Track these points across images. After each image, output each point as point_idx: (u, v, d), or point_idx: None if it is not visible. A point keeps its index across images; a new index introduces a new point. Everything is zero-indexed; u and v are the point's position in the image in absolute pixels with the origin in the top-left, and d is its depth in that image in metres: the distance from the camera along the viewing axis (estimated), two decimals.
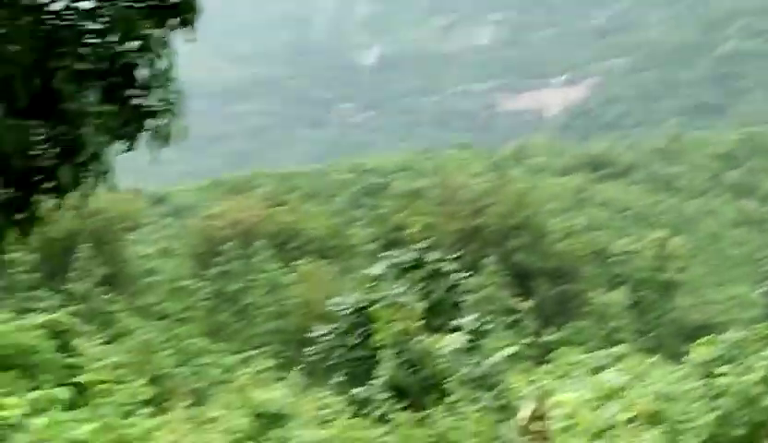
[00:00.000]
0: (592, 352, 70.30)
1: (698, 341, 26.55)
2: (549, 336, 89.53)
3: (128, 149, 8.29)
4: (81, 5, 7.86)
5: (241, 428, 22.97)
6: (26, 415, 14.48)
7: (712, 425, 21.55)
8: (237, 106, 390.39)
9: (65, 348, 46.07)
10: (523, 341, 77.25)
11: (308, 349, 28.23)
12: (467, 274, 27.46)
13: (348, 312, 26.45)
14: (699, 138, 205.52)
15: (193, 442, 23.03)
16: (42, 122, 7.61)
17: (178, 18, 8.28)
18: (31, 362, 43.66)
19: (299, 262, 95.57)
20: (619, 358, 56.84)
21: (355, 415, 19.67)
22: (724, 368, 23.00)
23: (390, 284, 23.66)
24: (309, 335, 28.33)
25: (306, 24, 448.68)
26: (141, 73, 8.19)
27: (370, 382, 20.60)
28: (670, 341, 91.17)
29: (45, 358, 44.05)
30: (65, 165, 7.65)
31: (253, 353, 75.23)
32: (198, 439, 23.49)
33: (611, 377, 27.85)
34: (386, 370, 19.67)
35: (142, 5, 8.06)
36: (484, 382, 19.55)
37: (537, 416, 12.80)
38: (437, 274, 25.33)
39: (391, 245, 38.50)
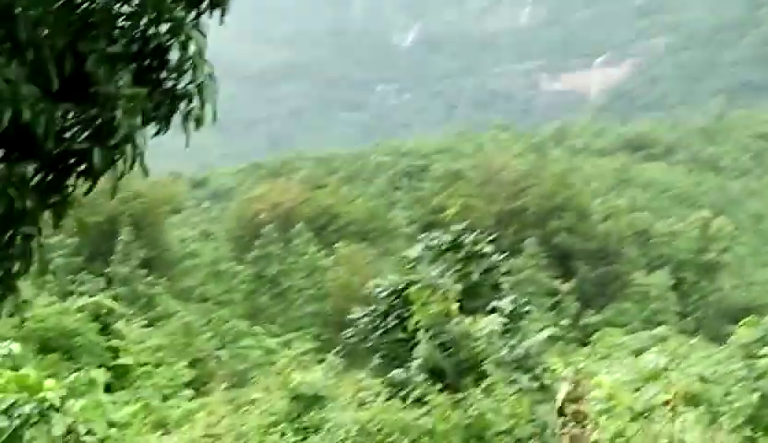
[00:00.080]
0: (633, 333, 70.08)
1: (740, 322, 26.29)
2: (590, 317, 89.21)
3: (160, 133, 8.30)
4: None
5: (279, 410, 23.05)
6: (64, 397, 14.58)
7: (752, 406, 21.36)
8: (276, 89, 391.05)
9: (106, 331, 46.62)
10: (564, 323, 77.08)
11: (346, 331, 28.20)
12: (505, 255, 27.26)
13: (385, 294, 26.40)
14: (742, 118, 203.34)
15: (231, 424, 23.12)
16: (74, 105, 7.62)
17: (209, 0, 8.26)
18: (74, 344, 44.20)
19: (338, 245, 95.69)
20: (661, 340, 56.60)
21: (392, 398, 19.65)
22: (766, 350, 22.78)
23: (428, 266, 23.59)
24: (348, 318, 28.27)
25: (345, 6, 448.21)
26: (173, 56, 8.18)
27: (407, 364, 20.56)
28: (712, 322, 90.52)
29: (87, 341, 44.58)
30: (97, 148, 7.66)
31: (293, 335, 75.66)
32: (236, 421, 23.58)
33: (651, 359, 27.62)
34: (422, 352, 19.63)
35: None
36: (522, 364, 19.47)
37: (574, 398, 12.72)
38: (474, 256, 25.20)
39: (431, 226, 38.41)
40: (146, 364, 48.79)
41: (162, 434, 28.24)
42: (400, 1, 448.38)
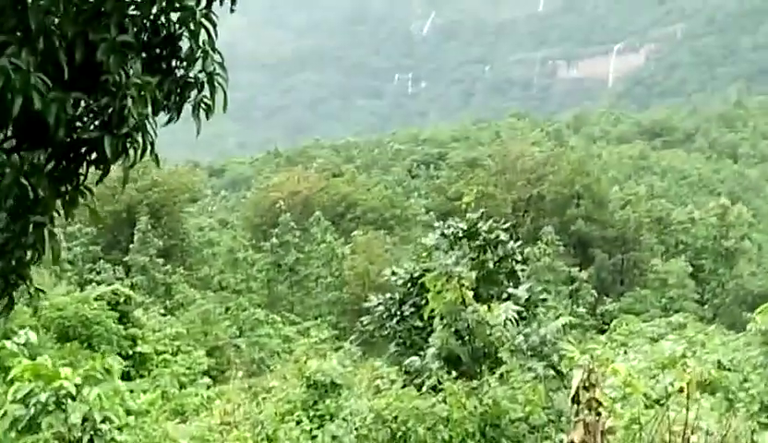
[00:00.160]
0: (651, 320, 69.88)
1: (758, 309, 26.19)
2: (608, 305, 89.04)
3: (171, 122, 8.33)
4: None
5: (295, 398, 23.13)
6: (80, 386, 14.66)
7: None
8: (294, 78, 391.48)
9: (124, 319, 46.79)
10: (581, 310, 76.98)
11: (363, 319, 28.27)
12: (522, 243, 27.23)
13: (401, 282, 26.45)
14: (760, 104, 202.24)
15: (247, 412, 23.22)
16: (85, 94, 7.65)
17: None
18: (92, 333, 44.40)
19: (356, 233, 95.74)
20: (679, 327, 56.40)
21: (407, 385, 19.68)
22: None
23: (443, 254, 23.60)
24: (364, 306, 28.34)
25: None
26: (183, 45, 8.20)
27: (421, 352, 20.59)
28: (731, 309, 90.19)
29: (105, 329, 44.77)
30: (107, 137, 7.69)
31: (310, 323, 75.77)
32: (252, 409, 23.68)
33: (668, 346, 27.57)
34: (438, 340, 19.63)
35: None
36: (537, 351, 19.46)
37: (588, 385, 12.70)
38: (490, 243, 25.21)
39: (448, 214, 38.42)
40: (164, 352, 48.96)
41: (180, 422, 28.38)
42: None
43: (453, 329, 19.32)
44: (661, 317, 73.10)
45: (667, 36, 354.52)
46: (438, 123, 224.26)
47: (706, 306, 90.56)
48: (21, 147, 7.65)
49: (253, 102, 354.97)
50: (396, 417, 17.93)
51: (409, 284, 26.45)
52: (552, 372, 19.17)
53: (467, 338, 19.38)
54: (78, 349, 41.53)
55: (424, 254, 27.34)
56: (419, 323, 24.53)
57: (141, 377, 43.76)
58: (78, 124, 7.71)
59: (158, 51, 8.19)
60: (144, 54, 8.01)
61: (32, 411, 14.52)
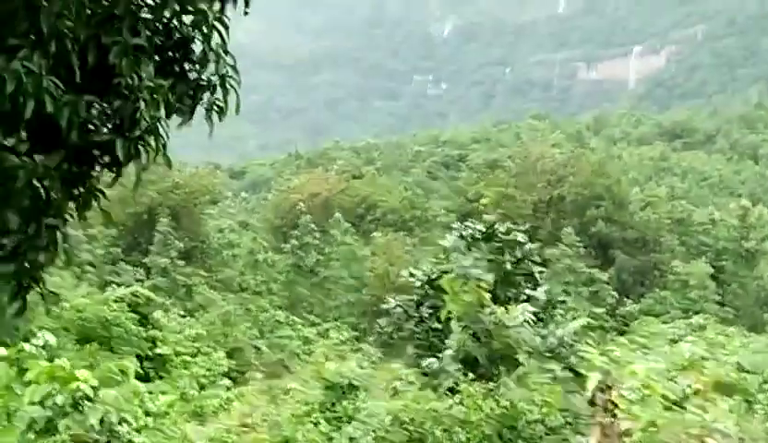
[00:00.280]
0: (672, 322, 69.63)
1: None
2: (629, 306, 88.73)
3: (183, 124, 8.34)
4: None
5: (313, 400, 23.15)
6: (96, 388, 14.72)
7: None
8: (313, 79, 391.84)
9: (144, 321, 46.90)
10: (601, 312, 76.74)
11: (381, 320, 28.27)
12: (542, 244, 27.18)
13: (419, 284, 26.44)
14: None
15: (265, 414, 23.25)
16: (98, 97, 7.67)
17: None
18: (112, 335, 44.52)
19: (376, 234, 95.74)
20: (700, 328, 56.22)
21: (425, 387, 19.66)
22: None
23: (461, 255, 23.57)
24: (383, 307, 28.33)
25: None
26: (196, 47, 8.22)
27: (439, 354, 20.57)
28: (751, 311, 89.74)
29: (125, 331, 44.87)
30: (120, 140, 7.71)
31: (330, 325, 75.81)
32: (271, 411, 23.72)
33: (688, 348, 27.48)
34: (455, 342, 19.61)
35: None
36: (555, 353, 19.41)
37: (604, 387, 12.67)
38: (508, 244, 25.16)
39: (468, 216, 38.30)
40: (184, 353, 49.08)
41: (199, 423, 28.45)
42: None
43: (471, 331, 19.29)
44: (681, 318, 72.85)
45: (688, 37, 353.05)
46: (459, 124, 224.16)
47: (727, 308, 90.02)
48: (34, 150, 7.68)
49: (271, 104, 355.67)
50: (413, 419, 17.91)
51: (427, 286, 26.43)
52: (569, 373, 19.11)
53: (484, 340, 19.35)
54: (98, 350, 41.62)
55: (441, 255, 27.31)
56: (437, 325, 24.48)
57: (161, 378, 43.85)
58: (91, 127, 7.73)
59: (170, 54, 8.21)
60: (157, 57, 8.03)
61: (49, 412, 14.57)
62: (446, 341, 21.06)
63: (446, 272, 22.16)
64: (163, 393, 26.33)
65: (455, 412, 17.61)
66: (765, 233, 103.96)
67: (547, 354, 19.23)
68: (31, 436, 14.84)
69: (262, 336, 66.90)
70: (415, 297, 26.66)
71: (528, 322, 19.08)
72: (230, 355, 54.49)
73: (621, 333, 69.16)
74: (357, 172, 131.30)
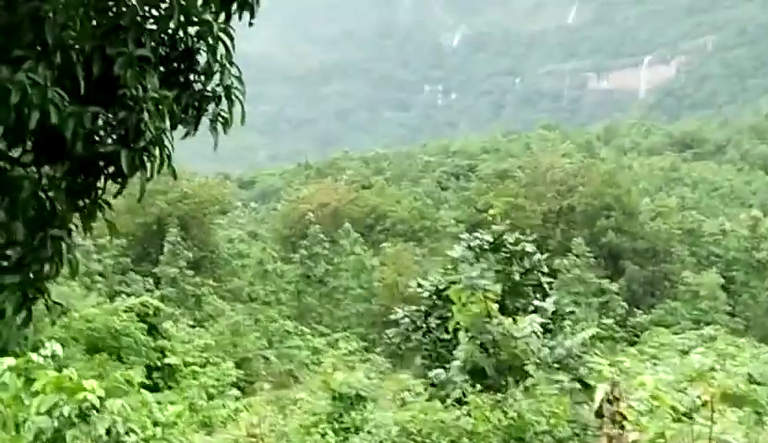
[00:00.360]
0: (683, 332, 69.44)
1: None
2: (639, 317, 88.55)
3: (188, 135, 8.34)
4: None
5: (321, 410, 23.13)
6: (103, 398, 14.71)
7: None
8: (323, 89, 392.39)
9: (154, 331, 46.97)
10: (611, 322, 76.58)
11: (389, 331, 28.21)
12: (552, 254, 27.14)
13: (427, 295, 26.39)
14: None
15: (273, 424, 23.23)
16: (102, 108, 7.68)
17: (237, 3, 8.29)
18: (121, 344, 44.58)
19: (385, 245, 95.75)
20: (710, 339, 56.05)
21: (433, 397, 19.62)
22: None
23: (469, 266, 23.51)
24: (391, 317, 28.28)
25: (392, 6, 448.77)
26: (201, 58, 8.23)
27: (447, 365, 20.52)
28: (762, 321, 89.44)
29: (135, 341, 44.94)
30: (125, 151, 7.72)
31: (339, 335, 75.79)
32: (278, 421, 23.70)
33: (697, 359, 27.37)
34: (462, 353, 19.55)
35: None
36: (563, 364, 19.34)
37: (612, 399, 12.61)
38: (517, 255, 25.11)
39: (478, 226, 38.29)
40: (193, 363, 49.12)
41: (207, 434, 28.44)
42: (446, 1, 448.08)
43: (478, 342, 19.23)
44: (692, 329, 72.63)
45: (698, 48, 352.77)
46: (469, 134, 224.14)
47: (737, 319, 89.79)
48: (39, 161, 7.70)
49: (281, 114, 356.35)
50: (420, 430, 17.87)
51: (435, 296, 26.39)
52: (578, 385, 19.04)
53: (492, 350, 19.29)
54: (107, 360, 41.70)
55: (450, 266, 27.26)
56: (445, 335, 24.43)
57: (170, 388, 43.90)
58: (96, 138, 7.74)
59: (175, 65, 8.22)
60: (161, 68, 8.04)
61: (57, 423, 14.56)
62: (454, 352, 20.98)
63: (454, 283, 22.07)
64: (172, 403, 26.32)
65: (463, 423, 17.56)
66: None
67: (556, 365, 19.15)
68: None
69: (271, 346, 66.94)
70: (423, 308, 26.60)
71: (536, 333, 19.01)
72: (239, 365, 54.51)
73: (632, 344, 69.07)
74: (367, 182, 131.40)
